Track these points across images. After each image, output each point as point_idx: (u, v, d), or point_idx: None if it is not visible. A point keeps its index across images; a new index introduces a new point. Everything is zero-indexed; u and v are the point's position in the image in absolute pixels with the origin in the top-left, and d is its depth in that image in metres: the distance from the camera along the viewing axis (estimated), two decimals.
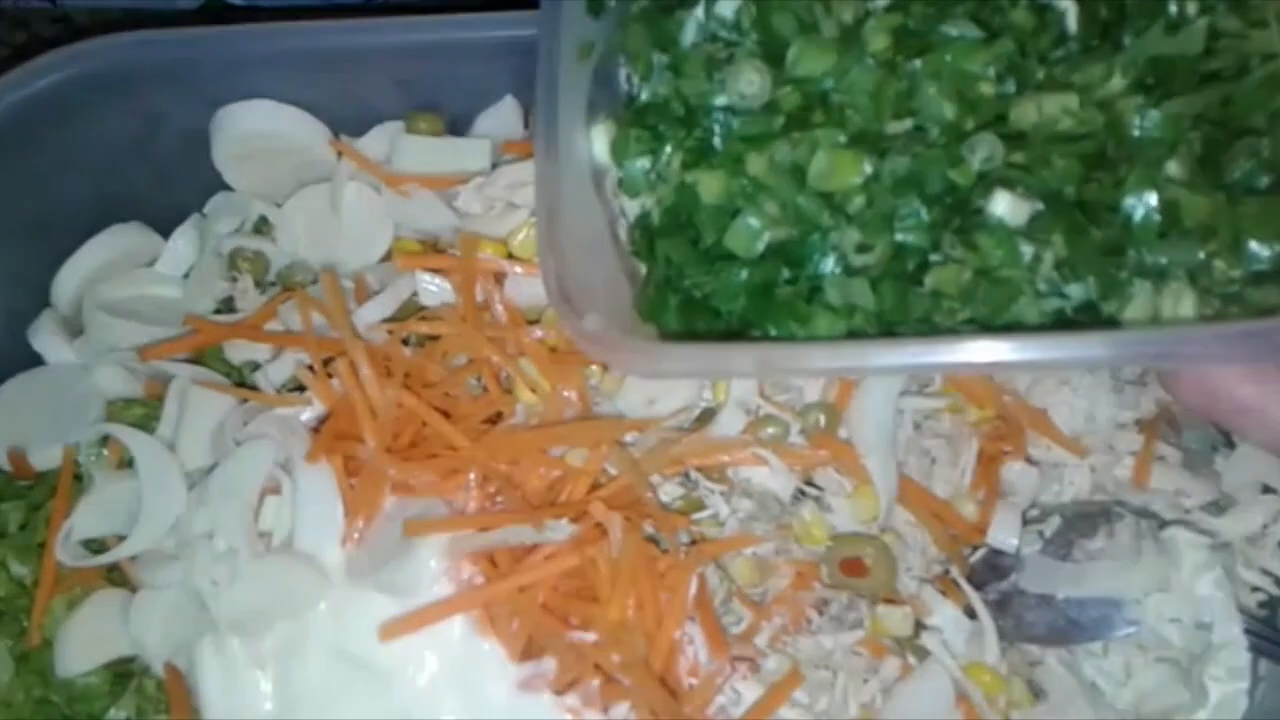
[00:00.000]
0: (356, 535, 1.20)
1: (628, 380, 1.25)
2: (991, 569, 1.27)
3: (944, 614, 1.22)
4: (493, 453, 1.21)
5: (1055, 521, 1.27)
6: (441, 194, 1.38)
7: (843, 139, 1.05)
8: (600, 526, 1.16)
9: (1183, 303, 0.97)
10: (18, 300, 1.42)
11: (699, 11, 1.14)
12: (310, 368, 1.28)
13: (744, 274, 1.06)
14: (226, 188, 1.47)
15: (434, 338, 1.29)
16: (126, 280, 1.44)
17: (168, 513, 1.24)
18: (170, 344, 1.35)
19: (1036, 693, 1.23)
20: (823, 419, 1.22)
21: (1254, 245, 0.96)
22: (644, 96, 1.17)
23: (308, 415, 1.28)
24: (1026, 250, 0.99)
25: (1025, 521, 1.26)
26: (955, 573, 1.24)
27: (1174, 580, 1.22)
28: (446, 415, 1.24)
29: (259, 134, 1.40)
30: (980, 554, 1.27)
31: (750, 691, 1.18)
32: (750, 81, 1.08)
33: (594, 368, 1.25)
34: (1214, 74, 1.02)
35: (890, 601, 1.21)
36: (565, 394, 1.24)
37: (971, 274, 1.00)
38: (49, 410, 1.35)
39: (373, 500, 1.21)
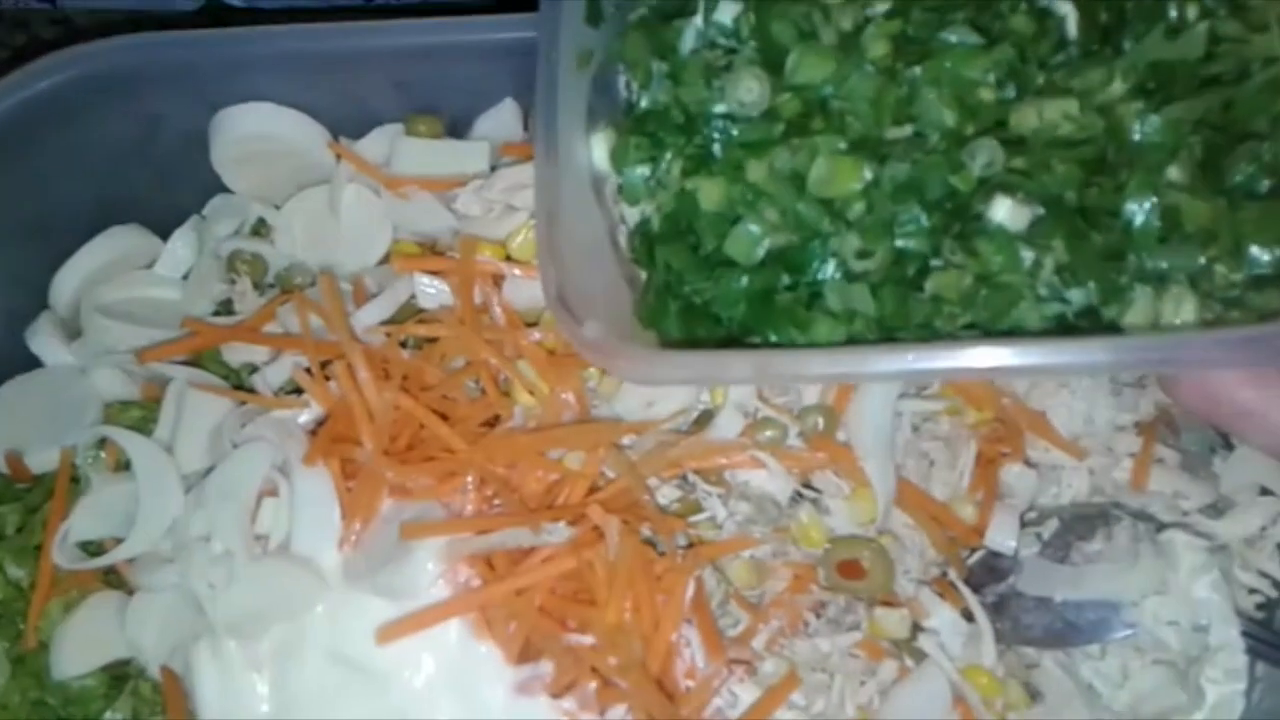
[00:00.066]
0: (354, 538, 1.20)
1: (625, 383, 1.25)
2: (989, 571, 1.27)
3: (941, 616, 1.22)
4: (490, 455, 1.21)
5: (1053, 524, 1.27)
6: (440, 196, 1.38)
7: (842, 145, 1.04)
8: (597, 529, 1.16)
9: (1184, 308, 0.97)
10: (16, 302, 1.42)
11: (698, 19, 1.14)
12: (308, 370, 1.28)
13: (744, 280, 1.06)
14: (225, 190, 1.47)
15: (432, 340, 1.29)
16: (125, 282, 1.44)
17: (165, 515, 1.24)
18: (168, 346, 1.35)
19: (1033, 695, 1.23)
20: (821, 422, 1.22)
21: (1255, 250, 0.96)
22: (643, 104, 1.16)
23: (305, 418, 1.28)
24: (1027, 255, 0.99)
25: (1023, 524, 1.26)
26: (953, 575, 1.24)
27: (1171, 582, 1.22)
28: (444, 418, 1.23)
29: (258, 136, 1.40)
30: (978, 556, 1.27)
31: (747, 694, 1.18)
32: (749, 89, 1.08)
33: (592, 370, 1.25)
34: (1214, 78, 1.02)
35: (888, 604, 1.21)
36: (563, 397, 1.24)
37: (972, 279, 1.00)
38: (46, 412, 1.35)
39: (370, 503, 1.21)
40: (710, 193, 1.08)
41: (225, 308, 1.41)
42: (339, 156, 1.41)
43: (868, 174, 1.02)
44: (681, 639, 1.17)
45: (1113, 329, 0.99)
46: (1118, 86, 1.02)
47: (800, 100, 1.07)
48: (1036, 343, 0.95)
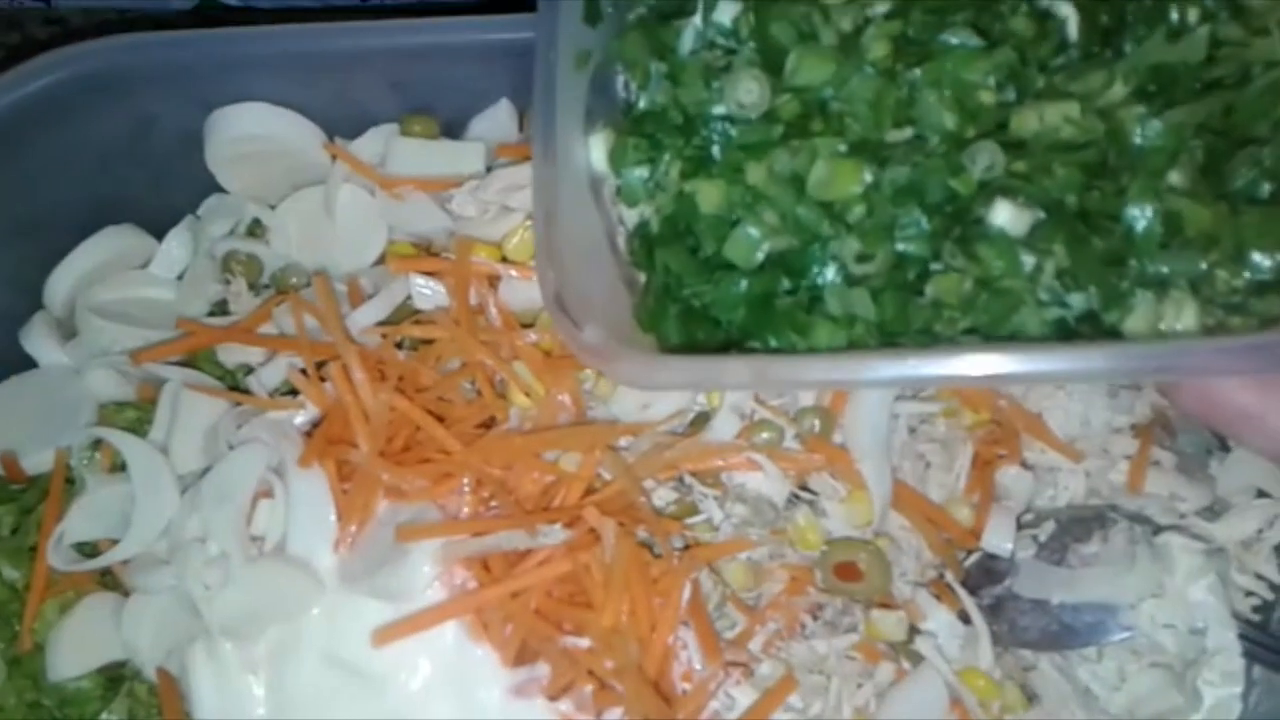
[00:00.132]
0: (349, 540, 1.20)
1: (621, 385, 1.24)
2: (986, 573, 1.27)
3: (938, 619, 1.22)
4: (486, 457, 1.20)
5: (1050, 526, 1.27)
6: (436, 197, 1.37)
7: (842, 148, 1.03)
8: (594, 532, 1.16)
9: (1185, 313, 0.96)
10: (10, 302, 1.42)
11: (697, 20, 1.13)
12: (303, 371, 1.28)
13: (744, 284, 1.05)
14: (220, 190, 1.47)
15: (428, 341, 1.29)
16: (119, 282, 1.43)
17: (160, 517, 1.24)
18: (163, 347, 1.34)
19: (1030, 697, 1.24)
20: (817, 424, 1.22)
21: (1256, 255, 0.96)
22: (642, 105, 1.16)
23: (301, 419, 1.27)
24: (1028, 260, 0.98)
25: (1020, 526, 1.26)
26: (949, 577, 1.24)
27: (1168, 585, 1.22)
28: (440, 419, 1.23)
29: (253, 136, 1.40)
30: (974, 558, 1.27)
31: (744, 697, 1.18)
32: (749, 90, 1.07)
33: (588, 371, 1.25)
34: (1216, 82, 1.01)
35: (884, 606, 1.21)
36: (559, 398, 1.24)
37: (972, 283, 0.99)
38: (41, 413, 1.35)
39: (365, 505, 1.20)
40: (709, 195, 1.07)
41: (220, 308, 1.41)
42: (334, 157, 1.41)
43: (868, 177, 1.01)
44: (678, 641, 1.17)
45: (1114, 334, 0.98)
46: (1119, 90, 1.01)
47: (800, 102, 1.07)
48: (1035, 350, 0.95)
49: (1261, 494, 1.29)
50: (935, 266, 1.01)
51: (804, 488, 1.25)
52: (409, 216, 1.38)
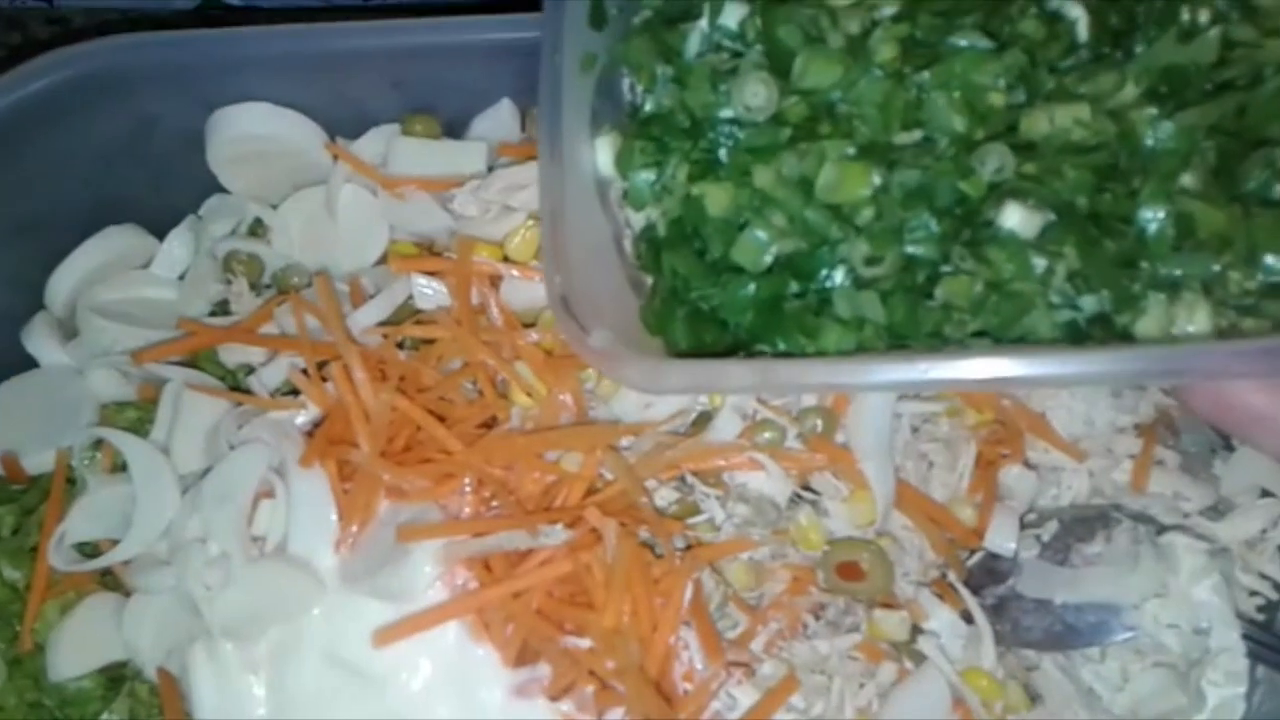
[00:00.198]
0: (350, 540, 1.20)
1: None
2: (989, 573, 1.27)
3: (941, 618, 1.22)
4: (487, 457, 1.20)
5: (1053, 526, 1.27)
6: (437, 197, 1.37)
7: (851, 150, 1.03)
8: (595, 532, 1.16)
9: (1197, 315, 0.96)
10: (11, 302, 1.42)
11: (703, 23, 1.13)
12: (305, 371, 1.27)
13: (752, 287, 1.05)
14: (222, 190, 1.47)
15: (429, 341, 1.28)
16: (121, 282, 1.43)
17: (161, 517, 1.24)
18: (164, 347, 1.34)
19: (1033, 697, 1.24)
20: (820, 423, 1.22)
21: (1269, 258, 0.96)
22: (648, 108, 1.16)
23: (302, 419, 1.27)
24: (1038, 262, 0.98)
25: (1023, 526, 1.26)
26: (952, 577, 1.24)
27: (1172, 585, 1.22)
28: (441, 419, 1.23)
29: (254, 136, 1.40)
30: (977, 558, 1.27)
31: (746, 697, 1.18)
32: (756, 93, 1.06)
33: (589, 371, 1.25)
34: (1227, 84, 1.01)
35: (887, 606, 1.21)
36: (561, 398, 1.24)
37: (983, 286, 0.99)
38: (42, 413, 1.35)
39: (367, 505, 1.20)
40: (717, 198, 1.07)
41: (221, 308, 1.41)
42: (336, 156, 1.41)
43: (876, 180, 1.01)
44: (680, 641, 1.17)
45: (1125, 336, 0.98)
46: (1130, 91, 1.01)
47: (807, 104, 1.06)
48: (1043, 354, 0.94)
49: (1266, 493, 1.29)
50: (945, 269, 1.01)
51: (806, 487, 1.25)
52: (410, 216, 1.38)
